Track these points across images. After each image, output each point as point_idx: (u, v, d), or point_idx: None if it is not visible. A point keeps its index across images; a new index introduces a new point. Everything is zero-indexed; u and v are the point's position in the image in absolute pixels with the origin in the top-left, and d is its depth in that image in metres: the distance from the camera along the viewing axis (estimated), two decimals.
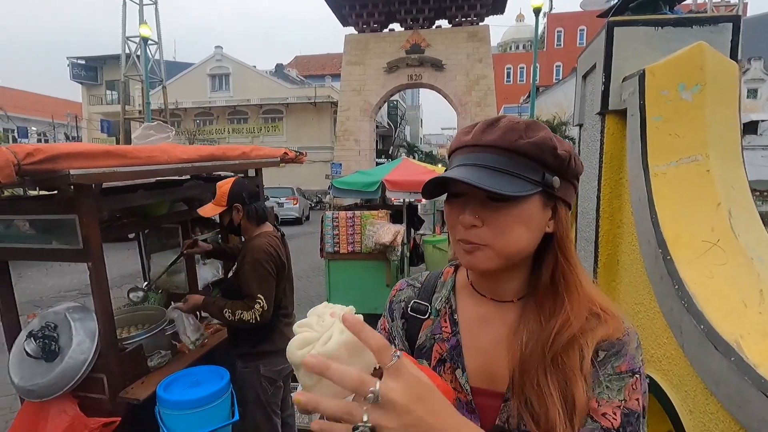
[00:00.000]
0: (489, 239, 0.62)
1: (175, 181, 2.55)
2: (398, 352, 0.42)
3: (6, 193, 2.20)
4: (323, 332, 0.49)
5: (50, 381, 1.70)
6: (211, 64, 25.98)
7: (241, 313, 1.87)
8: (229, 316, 1.88)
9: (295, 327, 0.53)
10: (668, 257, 1.32)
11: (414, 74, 17.73)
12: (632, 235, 1.63)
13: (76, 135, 27.17)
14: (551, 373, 0.62)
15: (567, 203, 0.66)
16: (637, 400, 0.62)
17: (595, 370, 0.63)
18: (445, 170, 0.66)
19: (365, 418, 0.41)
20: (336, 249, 4.87)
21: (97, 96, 29.20)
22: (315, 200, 21.03)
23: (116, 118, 21.11)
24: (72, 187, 1.65)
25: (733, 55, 1.57)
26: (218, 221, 2.35)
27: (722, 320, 1.06)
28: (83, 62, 29.08)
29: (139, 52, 17.35)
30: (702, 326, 1.08)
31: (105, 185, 1.88)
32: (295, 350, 0.49)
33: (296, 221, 15.86)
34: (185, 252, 2.37)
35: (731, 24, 1.61)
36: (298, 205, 16.53)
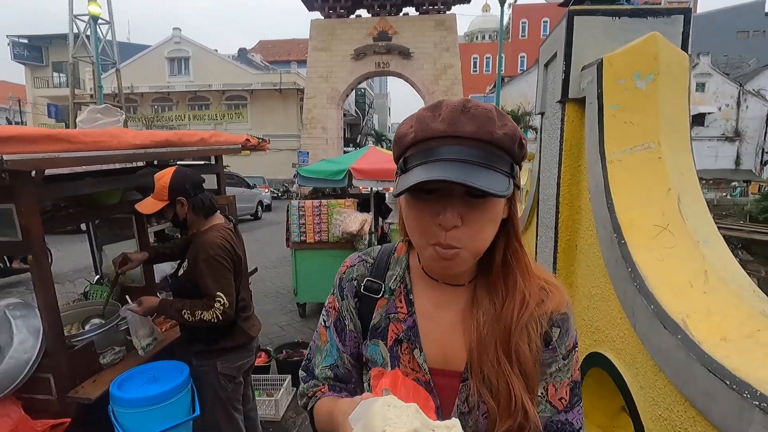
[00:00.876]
0: (466, 241, 0.60)
1: (127, 169, 2.40)
2: None
3: None
4: None
5: None
6: (169, 46, 24.73)
7: (202, 314, 1.75)
8: (189, 318, 1.76)
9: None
10: (622, 241, 1.37)
11: (381, 62, 17.62)
12: (590, 221, 1.68)
13: (20, 120, 25.30)
14: (509, 350, 0.64)
15: (518, 186, 0.65)
16: (578, 370, 0.69)
17: (553, 351, 0.67)
18: (418, 164, 0.59)
19: None
20: (303, 238, 4.79)
21: (43, 78, 27.22)
22: (282, 189, 20.62)
23: (65, 102, 19.74)
24: (7, 174, 1.51)
25: (684, 46, 1.63)
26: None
27: (671, 300, 1.11)
28: (26, 41, 26.97)
29: (88, 32, 16.21)
30: (652, 306, 1.13)
31: (48, 172, 1.75)
32: None
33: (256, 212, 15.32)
34: (119, 271, 2.08)
35: (683, 16, 1.67)
36: (268, 193, 16.37)
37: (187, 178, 1.85)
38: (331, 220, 4.73)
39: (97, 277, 2.57)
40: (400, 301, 0.73)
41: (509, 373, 0.63)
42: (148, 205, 1.84)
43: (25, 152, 1.46)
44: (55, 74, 27.07)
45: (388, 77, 23.05)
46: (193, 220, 1.88)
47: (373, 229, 5.03)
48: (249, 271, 2.32)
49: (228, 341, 1.90)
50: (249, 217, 13.91)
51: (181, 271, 1.97)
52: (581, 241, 1.81)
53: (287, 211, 4.91)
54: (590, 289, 1.66)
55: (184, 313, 1.77)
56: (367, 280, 0.77)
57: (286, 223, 4.94)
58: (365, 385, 0.75)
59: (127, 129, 2.04)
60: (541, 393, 0.67)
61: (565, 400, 0.68)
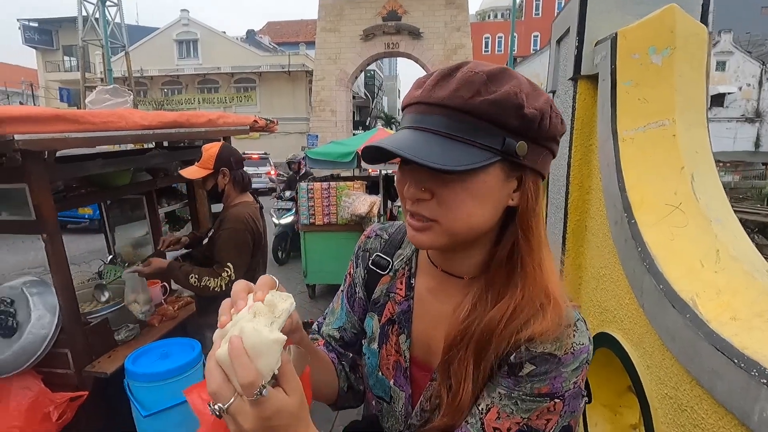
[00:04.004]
0: (438, 214, 0.55)
1: (137, 151, 2.42)
2: (265, 390, 0.43)
3: None
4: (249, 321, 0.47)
5: (10, 357, 1.64)
6: (177, 29, 24.59)
7: (208, 280, 1.83)
8: (195, 282, 1.84)
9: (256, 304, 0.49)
10: (632, 221, 1.35)
11: (391, 42, 17.31)
12: (600, 201, 1.66)
13: (33, 104, 25.55)
14: (481, 358, 0.58)
15: (538, 172, 0.57)
16: (547, 421, 0.55)
17: (511, 381, 0.56)
18: (397, 129, 0.60)
19: (224, 406, 0.44)
20: (311, 221, 4.82)
21: (54, 62, 27.34)
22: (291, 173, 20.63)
23: (76, 86, 19.84)
24: (19, 154, 1.54)
25: (704, 19, 1.57)
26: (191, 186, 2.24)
27: (680, 280, 1.10)
28: (36, 25, 27.00)
29: (97, 15, 16.16)
30: (661, 286, 1.12)
31: (59, 154, 1.77)
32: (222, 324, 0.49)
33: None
34: (162, 248, 2.23)
35: None
36: (275, 176, 16.49)
37: (232, 152, 1.99)
38: (339, 202, 4.74)
39: (110, 257, 2.63)
40: (401, 283, 0.73)
41: (465, 378, 0.58)
42: (192, 172, 1.93)
43: (35, 132, 1.48)
44: (66, 58, 27.17)
45: (398, 58, 22.69)
46: (229, 192, 2.00)
47: (382, 212, 5.04)
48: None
49: None
50: None
51: (205, 241, 2.05)
52: (591, 222, 1.79)
53: (296, 193, 4.93)
54: (599, 269, 1.65)
55: (191, 276, 1.83)
56: (377, 255, 0.77)
57: (296, 206, 4.97)
58: (365, 355, 0.76)
59: (135, 110, 2.04)
60: (481, 409, 0.57)
61: None
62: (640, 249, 1.27)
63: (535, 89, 0.54)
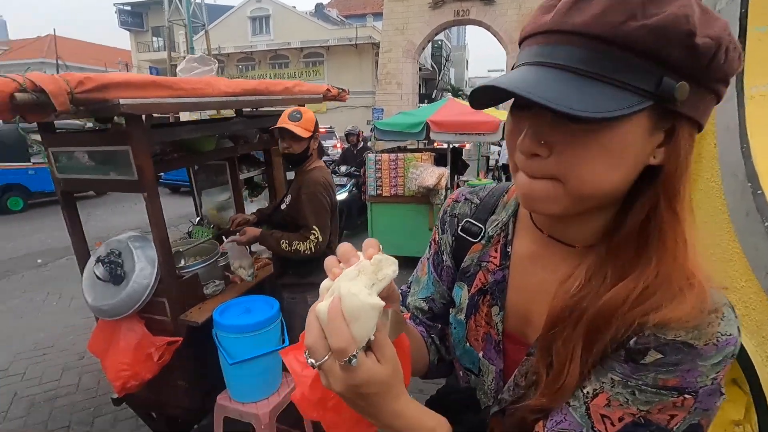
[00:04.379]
0: (560, 173, 0.46)
1: (220, 119, 2.55)
2: (355, 360, 0.42)
3: None
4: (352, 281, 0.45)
5: (119, 302, 1.85)
6: (251, 5, 25.41)
7: (297, 244, 1.94)
8: (286, 247, 1.95)
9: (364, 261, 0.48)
10: (759, 191, 1.16)
11: (461, 9, 16.48)
12: (713, 169, 1.45)
13: None
14: (592, 341, 0.49)
15: (696, 122, 0.45)
16: (671, 417, 0.46)
17: (629, 367, 0.47)
18: (513, 66, 0.50)
19: (316, 363, 0.44)
20: (378, 192, 4.85)
21: (144, 43, 29.69)
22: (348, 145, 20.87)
23: (164, 65, 21.48)
24: (124, 118, 1.67)
25: None
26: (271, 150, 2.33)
27: None
28: (129, 8, 29.36)
29: None
30: None
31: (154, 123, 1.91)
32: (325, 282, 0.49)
33: None
34: (232, 228, 2.33)
35: None
36: (340, 150, 16.73)
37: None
38: (407, 174, 4.70)
39: (198, 218, 2.84)
40: (495, 251, 0.66)
41: (572, 359, 0.50)
42: (294, 128, 1.96)
43: (135, 97, 1.60)
44: (154, 39, 29.36)
45: (467, 27, 21.64)
46: (313, 156, 2.08)
47: (449, 185, 4.93)
48: None
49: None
50: None
51: (283, 206, 2.13)
52: (698, 194, 1.58)
53: (364, 164, 4.97)
54: (706, 248, 1.46)
55: (282, 242, 1.94)
56: (467, 221, 0.71)
57: (363, 176, 5.02)
58: (451, 324, 0.72)
59: (220, 77, 2.13)
60: (587, 392, 0.50)
61: (611, 428, 0.48)
62: (767, 223, 1.09)
63: (706, 12, 0.42)
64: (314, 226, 1.94)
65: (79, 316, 4.01)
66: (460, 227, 0.71)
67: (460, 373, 0.72)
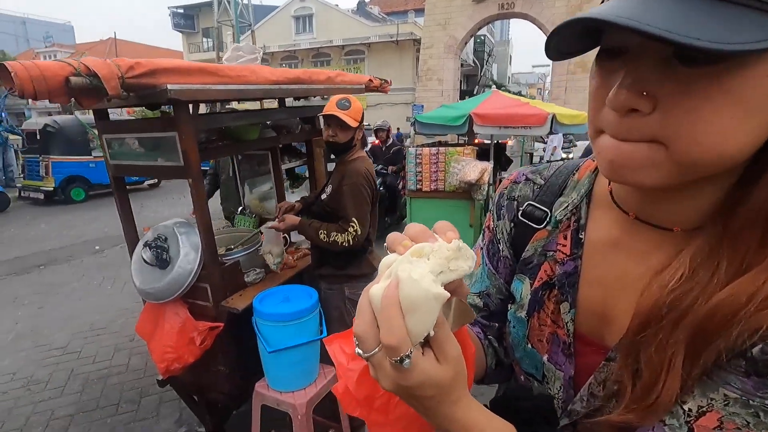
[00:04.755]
0: (664, 133, 0.36)
1: (263, 109, 2.57)
2: (408, 361, 0.36)
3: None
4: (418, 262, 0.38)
5: (164, 286, 1.89)
6: (295, 5, 25.97)
7: (336, 235, 1.91)
8: (324, 238, 1.93)
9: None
10: None
11: (506, 2, 16.01)
12: None
13: None
14: (690, 343, 0.40)
15: None
16: None
17: (751, 383, 0.38)
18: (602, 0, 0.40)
19: (364, 354, 0.39)
20: (418, 186, 4.76)
21: (195, 44, 31.04)
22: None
23: None
24: (171, 104, 1.70)
25: None
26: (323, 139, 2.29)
27: None
28: (182, 11, 30.82)
29: None
30: None
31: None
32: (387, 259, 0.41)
33: None
34: (278, 216, 2.28)
35: None
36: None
37: None
38: (448, 168, 4.58)
39: (241, 208, 2.88)
40: (565, 238, 0.56)
41: (671, 369, 0.41)
42: (343, 116, 1.94)
43: (183, 82, 1.61)
44: (204, 39, 30.64)
45: (511, 21, 20.99)
46: (356, 146, 2.05)
47: (491, 181, 4.76)
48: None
49: (354, 269, 2.01)
50: None
51: (323, 196, 2.10)
52: None
53: (404, 158, 4.90)
54: None
55: (321, 233, 1.92)
56: (529, 204, 0.61)
57: (403, 171, 4.95)
58: (509, 322, 0.63)
59: (264, 66, 2.13)
60: (688, 409, 0.41)
61: None
62: None
63: None
64: (354, 218, 1.90)
65: (130, 300, 4.22)
66: (520, 212, 0.62)
67: (521, 377, 0.63)
